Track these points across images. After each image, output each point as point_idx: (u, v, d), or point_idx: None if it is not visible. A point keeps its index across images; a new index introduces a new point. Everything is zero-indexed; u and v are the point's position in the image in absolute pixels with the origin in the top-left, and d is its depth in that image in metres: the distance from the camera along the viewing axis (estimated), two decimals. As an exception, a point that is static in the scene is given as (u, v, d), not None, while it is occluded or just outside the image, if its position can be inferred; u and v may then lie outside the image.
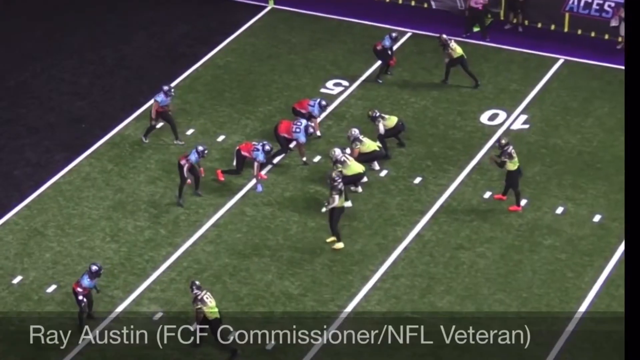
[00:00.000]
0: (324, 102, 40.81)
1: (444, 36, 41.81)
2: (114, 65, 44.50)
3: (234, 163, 38.10)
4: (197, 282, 32.24)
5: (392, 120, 39.51)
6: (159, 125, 39.42)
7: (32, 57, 44.98)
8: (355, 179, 37.64)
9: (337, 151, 37.23)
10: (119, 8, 47.83)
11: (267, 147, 37.67)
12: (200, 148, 37.17)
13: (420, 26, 46.49)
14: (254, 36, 45.93)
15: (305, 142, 39.12)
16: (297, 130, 39.07)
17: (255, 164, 37.46)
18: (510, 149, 36.08)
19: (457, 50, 41.29)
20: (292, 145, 39.69)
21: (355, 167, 37.10)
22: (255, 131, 41.17)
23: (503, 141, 36.60)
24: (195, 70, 44.17)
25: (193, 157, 37.10)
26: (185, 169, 36.93)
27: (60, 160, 39.71)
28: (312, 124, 39.87)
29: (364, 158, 38.39)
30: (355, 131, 38.45)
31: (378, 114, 39.54)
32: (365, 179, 37.82)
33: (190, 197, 38.08)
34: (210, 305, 31.88)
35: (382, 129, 39.33)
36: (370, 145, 38.39)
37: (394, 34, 43.55)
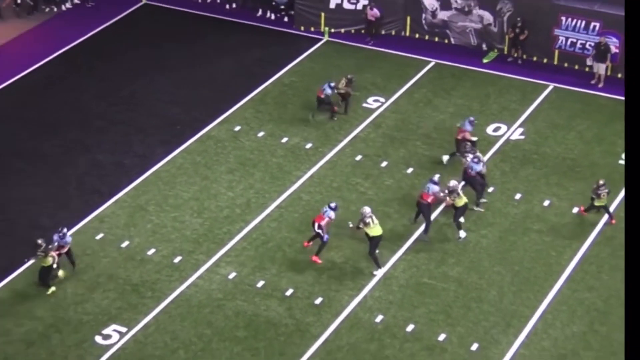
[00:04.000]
0: (472, 118, 39.70)
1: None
2: (204, 80, 44.74)
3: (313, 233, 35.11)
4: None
5: (461, 200, 35.88)
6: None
7: (140, 72, 45.25)
8: (376, 240, 34.41)
9: (367, 210, 34.29)
10: (209, 36, 47.97)
11: (333, 205, 34.91)
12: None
13: (441, 57, 46.44)
14: (312, 62, 46.04)
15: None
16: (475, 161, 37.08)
17: (327, 220, 34.72)
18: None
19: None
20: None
21: (376, 230, 34.22)
22: (311, 135, 41.28)
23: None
24: (266, 87, 44.26)
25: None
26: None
27: (160, 153, 40.15)
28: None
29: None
30: (366, 210, 34.38)
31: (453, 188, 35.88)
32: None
33: (259, 183, 38.29)
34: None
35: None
36: (376, 230, 34.24)
37: (332, 83, 42.02)
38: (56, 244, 33.54)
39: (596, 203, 36.19)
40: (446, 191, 35.52)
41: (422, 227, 35.86)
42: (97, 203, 37.52)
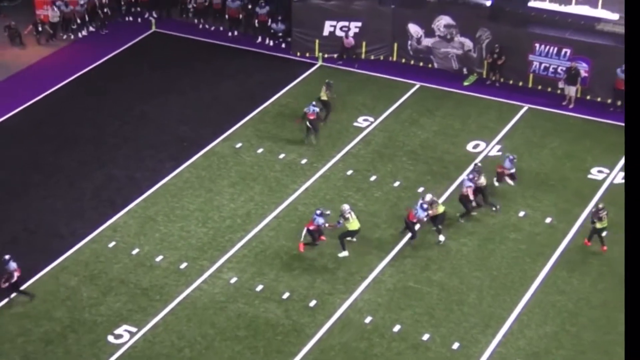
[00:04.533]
0: (511, 157, 38.69)
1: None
2: (209, 102, 44.75)
3: (310, 238, 35.46)
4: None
5: (440, 208, 36.02)
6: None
7: (150, 94, 45.25)
8: (352, 234, 35.18)
9: (346, 207, 34.88)
10: (213, 61, 48.01)
11: (319, 211, 34.96)
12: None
13: (425, 80, 46.47)
14: (307, 84, 46.01)
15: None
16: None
17: (316, 226, 34.95)
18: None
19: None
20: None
21: (354, 224, 34.81)
22: (306, 151, 41.25)
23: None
24: (265, 107, 44.24)
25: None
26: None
27: (168, 167, 40.07)
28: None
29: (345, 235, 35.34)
30: (345, 207, 34.98)
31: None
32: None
33: (258, 195, 38.16)
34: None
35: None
36: (354, 224, 34.88)
37: (314, 102, 41.99)
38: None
39: (598, 226, 35.20)
40: (428, 214, 35.42)
41: (409, 235, 35.90)
42: (110, 213, 37.43)
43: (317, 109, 41.81)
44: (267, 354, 31.07)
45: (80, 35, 50.78)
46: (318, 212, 34.83)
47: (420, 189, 38.52)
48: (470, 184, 36.75)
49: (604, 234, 35.45)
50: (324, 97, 42.90)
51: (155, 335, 31.85)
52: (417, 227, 35.57)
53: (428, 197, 35.57)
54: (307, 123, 41.52)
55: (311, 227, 34.94)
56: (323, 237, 35.21)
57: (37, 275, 34.33)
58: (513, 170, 38.40)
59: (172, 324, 32.29)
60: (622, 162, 40.21)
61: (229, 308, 32.98)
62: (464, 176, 39.05)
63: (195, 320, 32.46)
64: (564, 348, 31.43)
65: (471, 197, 36.66)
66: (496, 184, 38.69)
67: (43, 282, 34.06)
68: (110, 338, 31.71)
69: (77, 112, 44.20)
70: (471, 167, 38.62)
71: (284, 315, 32.64)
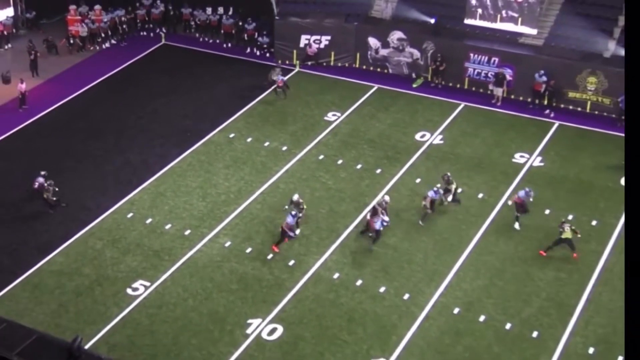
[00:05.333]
0: (527, 189, 35.23)
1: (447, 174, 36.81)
2: (207, 100, 44.49)
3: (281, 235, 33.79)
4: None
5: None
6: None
7: (160, 94, 45.01)
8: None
9: (296, 196, 34.54)
10: (211, 68, 47.72)
11: (293, 213, 33.57)
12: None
13: (382, 82, 46.38)
14: (287, 86, 45.66)
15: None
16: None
17: (286, 223, 33.33)
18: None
19: None
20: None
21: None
22: (286, 140, 41.01)
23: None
24: (253, 105, 44.07)
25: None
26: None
27: (174, 154, 39.82)
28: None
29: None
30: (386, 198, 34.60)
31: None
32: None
33: (248, 176, 37.91)
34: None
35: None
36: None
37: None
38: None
39: (562, 236, 33.12)
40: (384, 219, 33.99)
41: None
42: (128, 191, 37.20)
43: (283, 77, 44.45)
44: (254, 303, 31.02)
45: (104, 46, 50.46)
46: (293, 213, 33.65)
47: (379, 170, 38.41)
48: (433, 195, 35.16)
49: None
50: (273, 78, 44.90)
51: (164, 288, 31.76)
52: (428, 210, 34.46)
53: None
54: (277, 88, 44.29)
55: (285, 226, 33.42)
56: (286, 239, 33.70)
57: (70, 240, 34.17)
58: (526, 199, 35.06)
59: (178, 279, 32.19)
60: (540, 148, 40.36)
61: (224, 266, 32.88)
62: (414, 160, 39.13)
63: (197, 276, 32.36)
64: (492, 297, 31.49)
65: (427, 205, 35.18)
66: (516, 225, 35.11)
67: (74, 246, 33.89)
68: (129, 290, 31.62)
69: (102, 109, 43.85)
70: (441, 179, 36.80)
71: (268, 272, 32.56)
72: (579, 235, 33.43)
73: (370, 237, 33.97)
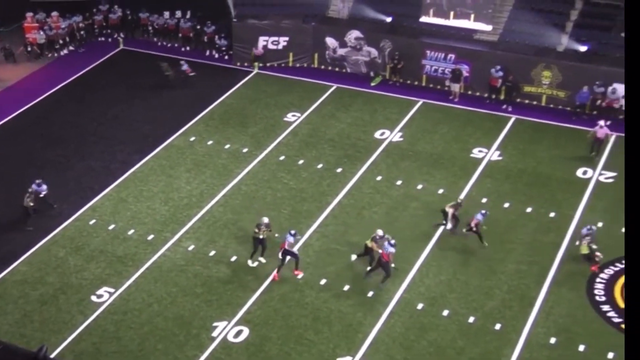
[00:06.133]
0: (485, 212, 33.65)
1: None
2: (168, 104, 44.27)
3: (280, 257, 32.16)
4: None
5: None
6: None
7: (120, 100, 44.69)
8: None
9: (266, 219, 32.74)
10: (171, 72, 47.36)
11: (292, 232, 32.00)
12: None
13: (341, 82, 46.33)
14: (247, 88, 45.73)
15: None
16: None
17: (288, 242, 31.84)
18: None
19: None
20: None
21: None
22: (246, 142, 40.86)
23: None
24: (213, 108, 43.88)
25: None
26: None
27: (136, 159, 39.51)
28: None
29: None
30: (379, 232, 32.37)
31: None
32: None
33: (209, 178, 37.66)
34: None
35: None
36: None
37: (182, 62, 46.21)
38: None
39: (582, 252, 32.40)
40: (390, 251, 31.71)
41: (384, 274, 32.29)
42: (90, 197, 36.86)
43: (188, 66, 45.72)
44: (220, 306, 30.84)
45: (62, 53, 49.97)
46: (292, 232, 32.20)
47: (339, 169, 38.37)
48: (481, 218, 33.26)
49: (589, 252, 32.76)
50: (169, 73, 45.66)
51: (129, 294, 31.48)
52: (392, 265, 31.90)
53: (379, 232, 32.30)
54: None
55: (286, 247, 32.04)
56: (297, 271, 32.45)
57: (33, 248, 33.80)
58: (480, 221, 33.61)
59: (143, 285, 31.92)
60: (497, 142, 40.51)
61: (188, 270, 32.67)
62: (374, 158, 39.11)
63: (161, 281, 32.11)
64: (455, 292, 31.55)
65: (473, 227, 33.30)
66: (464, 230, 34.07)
67: (37, 254, 33.52)
68: (94, 297, 31.31)
69: (62, 116, 43.41)
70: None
71: (233, 274, 32.38)
72: (598, 256, 32.38)
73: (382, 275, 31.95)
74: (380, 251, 31.73)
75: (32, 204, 34.91)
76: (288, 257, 32.06)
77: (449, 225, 34.28)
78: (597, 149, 39.21)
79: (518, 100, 44.15)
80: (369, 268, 32.11)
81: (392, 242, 31.57)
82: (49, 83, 46.48)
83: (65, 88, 46.25)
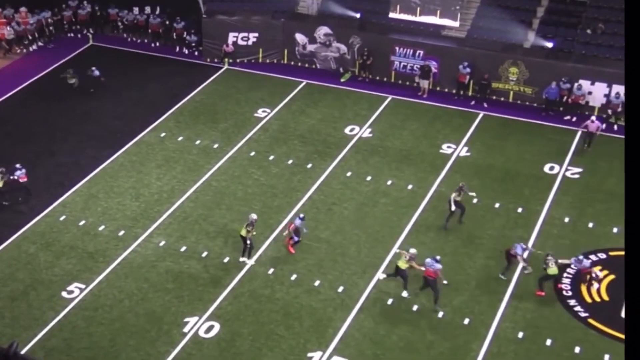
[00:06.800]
0: (523, 245, 32.15)
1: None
2: (137, 100, 44.08)
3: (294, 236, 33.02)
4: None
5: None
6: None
7: (90, 95, 44.38)
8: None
9: (254, 216, 32.63)
10: (140, 68, 47.28)
11: (301, 215, 33.05)
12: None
13: (310, 78, 46.35)
14: (217, 84, 45.63)
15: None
16: None
17: (294, 225, 32.77)
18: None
19: None
20: None
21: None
22: (217, 138, 40.74)
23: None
24: (183, 104, 43.73)
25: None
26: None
27: (106, 155, 39.31)
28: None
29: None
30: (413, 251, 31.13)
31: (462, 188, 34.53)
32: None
33: (180, 174, 37.53)
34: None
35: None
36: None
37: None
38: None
39: (549, 272, 30.97)
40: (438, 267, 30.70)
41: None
42: (60, 193, 36.63)
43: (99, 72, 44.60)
44: (191, 302, 30.75)
45: (31, 49, 49.55)
46: (301, 215, 33.11)
47: (309, 165, 38.37)
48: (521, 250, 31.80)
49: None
50: (72, 81, 44.63)
51: (100, 290, 31.31)
52: (444, 282, 31.21)
53: (412, 250, 31.19)
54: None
55: (291, 227, 32.92)
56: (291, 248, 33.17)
57: (3, 244, 33.56)
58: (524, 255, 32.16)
59: (114, 280, 31.77)
60: (466, 138, 40.67)
61: (159, 266, 32.55)
62: (344, 153, 39.13)
63: (132, 276, 31.97)
64: (425, 287, 31.62)
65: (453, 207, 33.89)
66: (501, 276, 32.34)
67: (8, 250, 33.27)
68: (64, 293, 31.10)
69: (31, 112, 43.08)
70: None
71: (204, 269, 32.30)
72: (595, 277, 31.37)
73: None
74: (423, 269, 30.59)
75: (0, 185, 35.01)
76: (296, 238, 32.72)
77: (453, 207, 34.18)
78: (589, 142, 39.89)
79: (486, 96, 44.31)
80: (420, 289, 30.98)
81: (437, 258, 30.61)
82: (18, 79, 46.08)
83: (34, 84, 45.90)
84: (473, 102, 43.94)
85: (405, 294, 31.03)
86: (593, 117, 39.86)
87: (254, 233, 32.75)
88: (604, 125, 40.53)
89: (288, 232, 33.21)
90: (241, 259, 32.64)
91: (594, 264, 31.99)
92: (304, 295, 31.13)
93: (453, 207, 34.27)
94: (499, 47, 44.89)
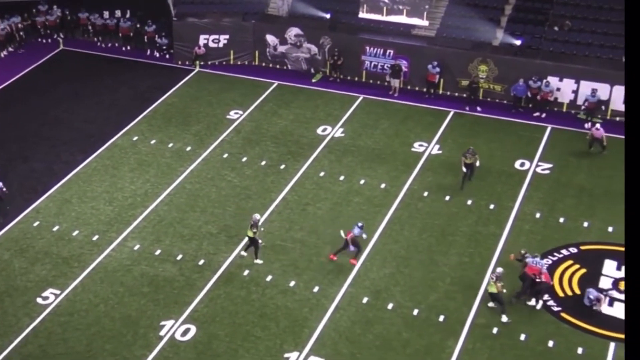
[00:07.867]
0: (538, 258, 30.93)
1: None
2: (109, 104, 43.77)
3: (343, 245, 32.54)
4: None
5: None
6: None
7: (62, 100, 44.13)
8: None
9: (257, 216, 32.30)
10: (111, 72, 46.99)
11: (360, 224, 32.24)
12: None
13: (282, 79, 46.22)
14: (188, 86, 45.42)
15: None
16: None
17: (353, 235, 32.09)
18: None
19: None
20: None
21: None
22: (189, 141, 40.53)
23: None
24: (155, 107, 43.49)
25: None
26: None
27: (79, 159, 39.00)
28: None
29: None
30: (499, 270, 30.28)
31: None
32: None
33: (153, 178, 37.31)
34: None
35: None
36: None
37: None
38: None
39: (489, 290, 30.13)
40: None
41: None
42: (33, 199, 36.29)
43: None
44: (166, 305, 30.55)
45: (2, 55, 49.06)
46: (360, 224, 32.37)
47: (283, 166, 38.23)
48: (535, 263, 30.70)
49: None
50: None
51: (75, 295, 31.04)
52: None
53: (499, 270, 30.27)
54: None
55: (349, 237, 32.24)
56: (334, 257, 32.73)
57: (-24, 252, 33.21)
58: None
59: (89, 285, 31.50)
60: (437, 136, 40.69)
61: (134, 270, 32.31)
62: (317, 154, 39.02)
63: (107, 281, 31.72)
64: (400, 285, 31.60)
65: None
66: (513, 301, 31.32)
67: (-19, 258, 32.97)
68: (39, 300, 30.81)
69: (2, 117, 42.64)
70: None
71: (179, 272, 32.11)
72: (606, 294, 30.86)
73: None
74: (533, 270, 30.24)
75: None
76: (352, 248, 32.23)
77: (464, 169, 36.52)
78: (602, 146, 39.41)
79: (456, 94, 44.36)
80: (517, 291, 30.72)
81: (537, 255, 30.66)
82: (-11, 85, 45.81)
83: (5, 89, 45.44)
84: (467, 108, 43.35)
85: (504, 319, 29.88)
86: (598, 125, 39.62)
87: (262, 229, 32.84)
88: (605, 134, 40.02)
89: (346, 240, 32.23)
90: (242, 253, 32.77)
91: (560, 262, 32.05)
92: (279, 296, 31.00)
93: (464, 169, 36.37)
94: (468, 45, 44.96)
